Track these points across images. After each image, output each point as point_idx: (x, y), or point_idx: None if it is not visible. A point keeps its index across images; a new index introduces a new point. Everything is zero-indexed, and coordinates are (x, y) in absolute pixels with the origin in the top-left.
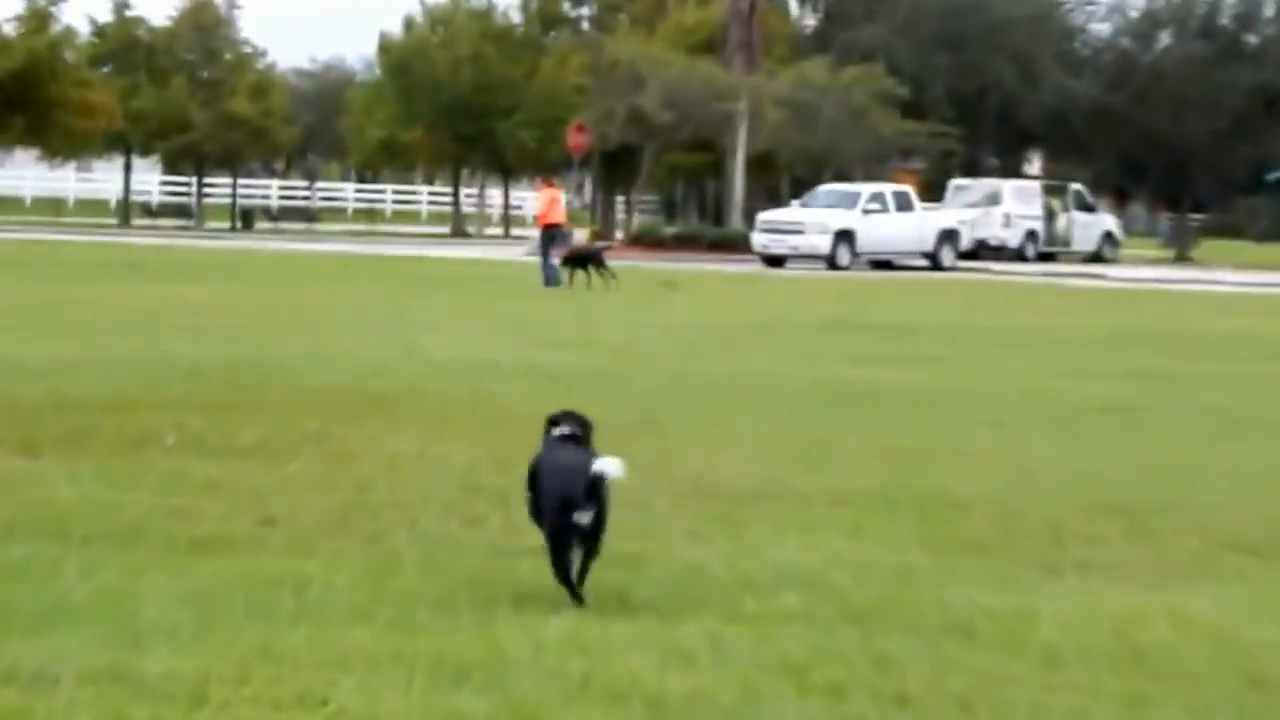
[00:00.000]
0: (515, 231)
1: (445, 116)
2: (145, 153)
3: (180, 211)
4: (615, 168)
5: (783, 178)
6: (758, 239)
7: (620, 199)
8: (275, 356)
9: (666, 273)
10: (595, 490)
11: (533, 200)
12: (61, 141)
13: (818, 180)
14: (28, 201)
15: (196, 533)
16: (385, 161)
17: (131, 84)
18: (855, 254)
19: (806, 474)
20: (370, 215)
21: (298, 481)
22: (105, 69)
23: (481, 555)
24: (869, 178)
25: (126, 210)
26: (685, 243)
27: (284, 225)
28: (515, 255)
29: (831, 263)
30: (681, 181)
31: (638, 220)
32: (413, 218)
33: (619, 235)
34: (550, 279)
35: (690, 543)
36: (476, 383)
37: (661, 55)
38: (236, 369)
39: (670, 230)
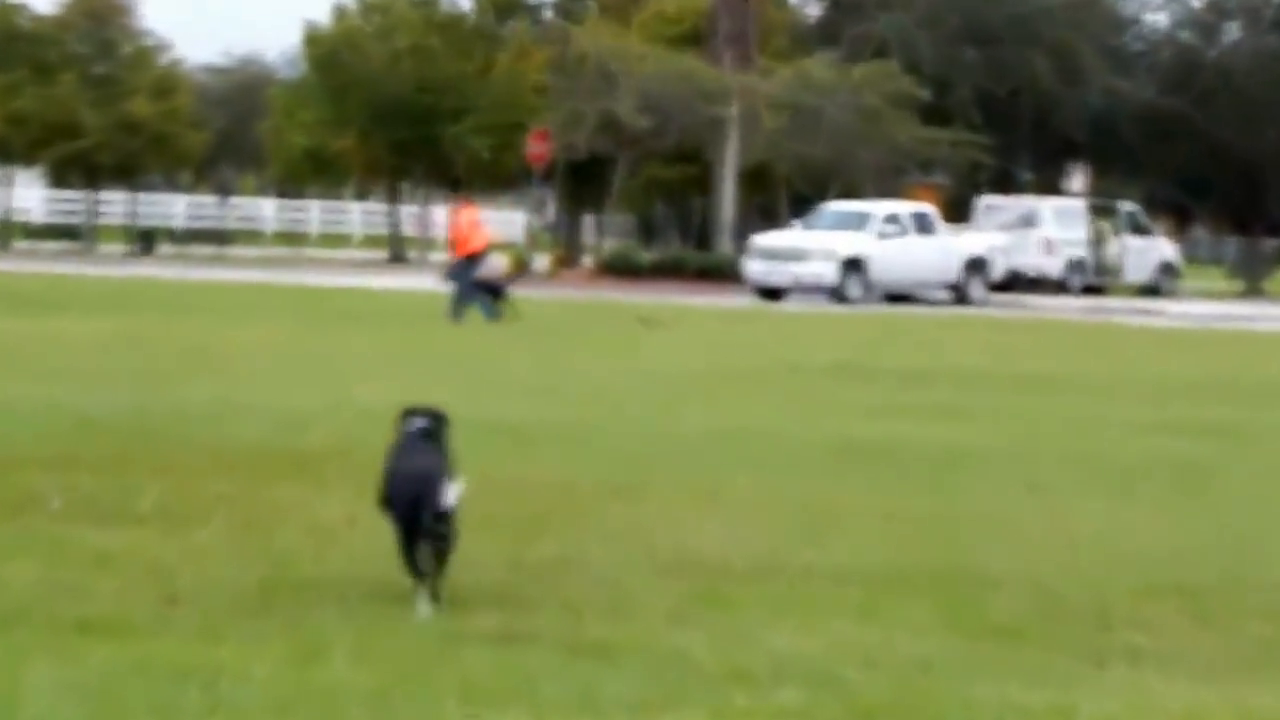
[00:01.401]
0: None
1: (382, 120)
2: (26, 163)
3: (68, 233)
4: (583, 182)
5: (780, 195)
6: (752, 267)
7: (589, 219)
8: (179, 406)
9: (643, 307)
10: (442, 518)
11: (455, 221)
12: None
13: (822, 197)
14: None
15: (87, 612)
16: (311, 174)
17: (10, 82)
18: (867, 285)
19: (808, 546)
20: (293, 238)
21: (206, 553)
22: None
23: (423, 640)
24: (883, 195)
25: (4, 231)
26: (665, 271)
27: (190, 249)
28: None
29: (839, 295)
30: (661, 199)
31: (609, 244)
32: (343, 241)
33: (586, 261)
34: (488, 313)
35: (671, 626)
36: None
37: (638, 49)
38: (134, 420)
39: (647, 256)
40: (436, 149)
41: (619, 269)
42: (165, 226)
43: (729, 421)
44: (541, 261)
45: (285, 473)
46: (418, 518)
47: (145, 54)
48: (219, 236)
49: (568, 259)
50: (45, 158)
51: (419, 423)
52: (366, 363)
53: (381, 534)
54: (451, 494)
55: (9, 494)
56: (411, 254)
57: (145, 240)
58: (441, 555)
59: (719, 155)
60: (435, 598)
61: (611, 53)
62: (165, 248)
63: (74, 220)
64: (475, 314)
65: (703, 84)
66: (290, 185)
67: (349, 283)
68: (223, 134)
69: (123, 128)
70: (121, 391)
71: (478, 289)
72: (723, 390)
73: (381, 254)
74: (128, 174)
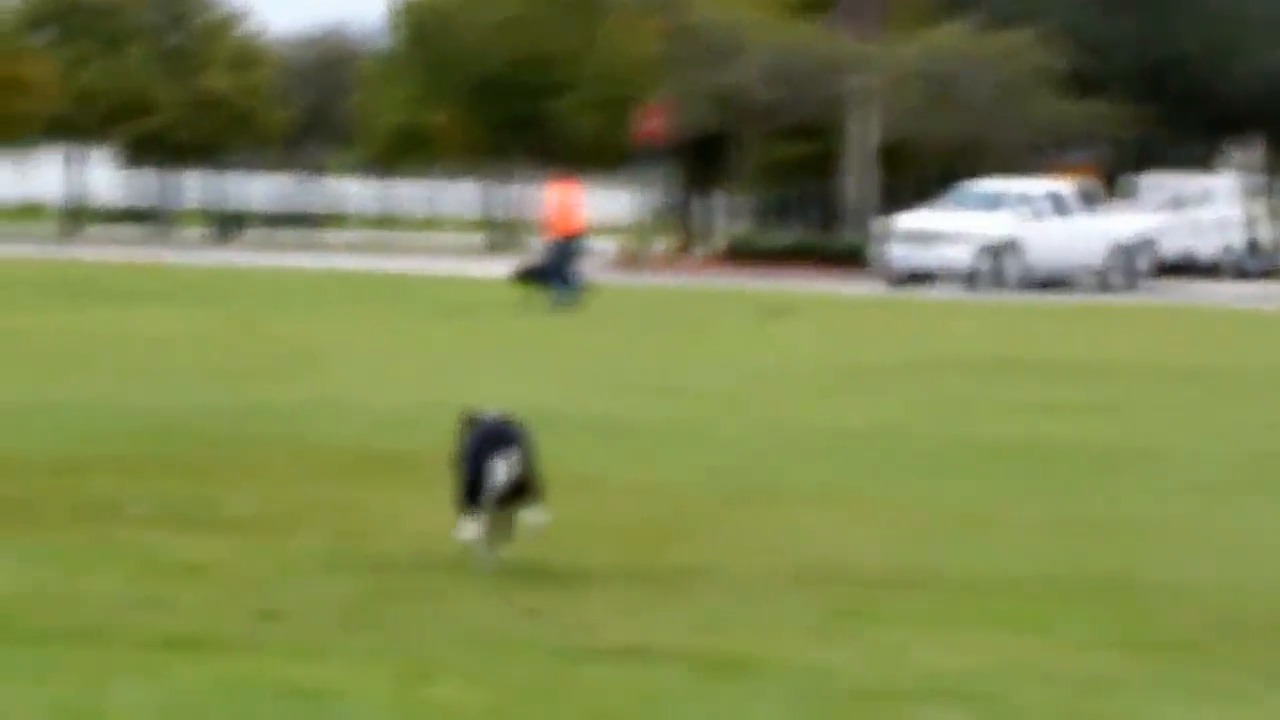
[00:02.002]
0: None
1: (480, 96)
2: (97, 142)
3: (142, 217)
4: (700, 162)
5: (916, 174)
6: (887, 252)
7: (707, 201)
8: (267, 404)
9: (767, 296)
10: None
11: (566, 202)
12: None
13: (960, 176)
14: None
15: (175, 627)
16: (404, 153)
17: (76, 55)
18: (1015, 271)
19: (958, 554)
20: (385, 221)
21: (302, 563)
22: (43, 36)
23: (541, 657)
24: (1030, 173)
25: (73, 215)
26: (792, 257)
27: (275, 234)
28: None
29: (980, 282)
30: (785, 179)
31: (729, 228)
32: (439, 224)
33: (705, 246)
34: (564, 298)
35: (813, 641)
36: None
37: (760, 17)
38: (218, 420)
39: (773, 241)
40: (538, 126)
41: (740, 254)
42: (248, 210)
43: (865, 419)
44: (656, 247)
45: (385, 476)
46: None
47: (221, 24)
48: (306, 220)
49: (684, 244)
50: (117, 136)
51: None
52: (467, 357)
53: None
54: (501, 472)
55: (88, 500)
56: (513, 238)
57: (226, 224)
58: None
59: (847, 132)
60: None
61: (730, 21)
62: (248, 232)
63: (149, 203)
64: (582, 302)
65: (830, 55)
66: (381, 165)
67: (446, 269)
68: (308, 110)
69: (198, 104)
70: (204, 389)
71: (559, 273)
72: (857, 385)
73: (480, 238)
74: (206, 153)
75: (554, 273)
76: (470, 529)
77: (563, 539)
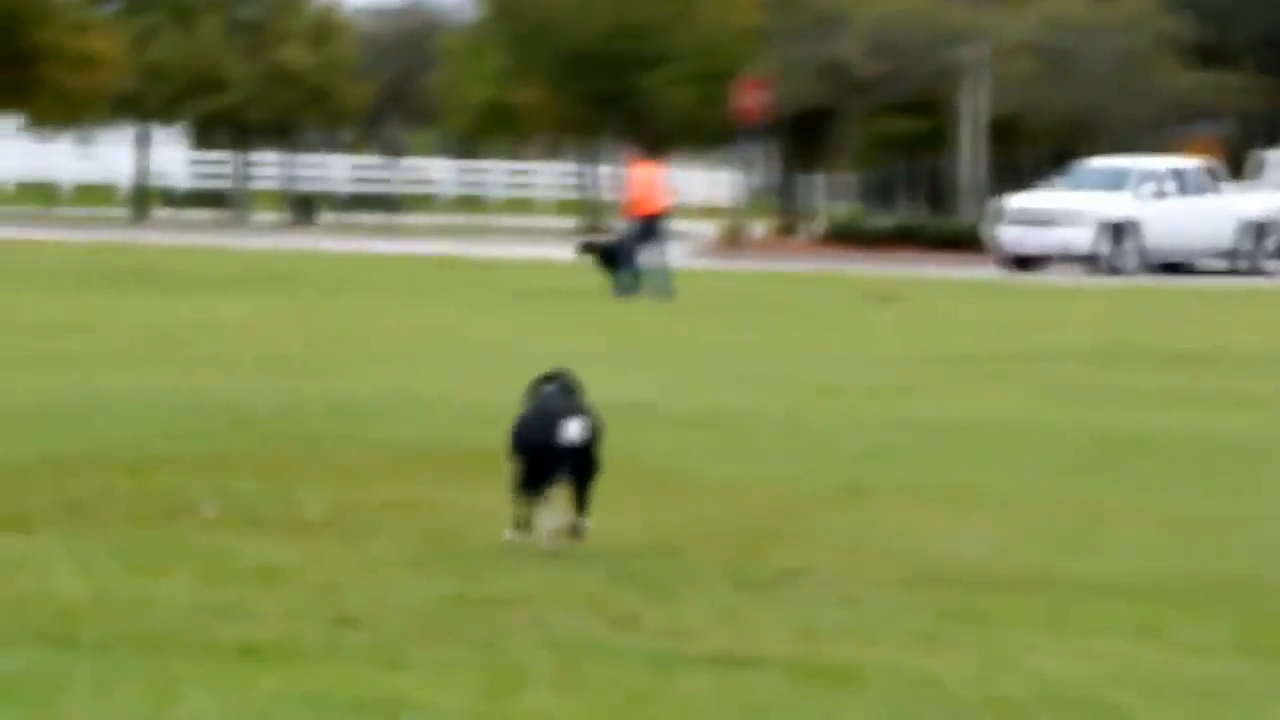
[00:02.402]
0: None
1: (571, 70)
2: (166, 120)
3: (214, 199)
4: (803, 138)
5: (1029, 151)
6: (1001, 234)
7: (811, 180)
8: (347, 398)
9: (874, 280)
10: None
11: (649, 181)
12: (52, 105)
13: (1077, 153)
14: (9, 186)
15: (249, 635)
16: (491, 131)
17: (145, 27)
18: (1132, 253)
19: (1074, 554)
20: (471, 203)
21: (383, 567)
22: (111, 7)
23: (636, 666)
24: (1151, 149)
25: (141, 198)
26: (900, 239)
27: (355, 217)
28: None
29: (1100, 265)
30: (893, 156)
31: (834, 208)
32: (529, 206)
33: (808, 228)
34: (625, 286)
35: (921, 649)
36: (622, 433)
37: None
38: (295, 415)
39: (879, 222)
40: (633, 102)
41: (845, 236)
42: (325, 192)
43: (976, 412)
44: (757, 229)
45: (471, 475)
46: (544, 457)
47: None
48: (387, 203)
49: (787, 226)
50: (187, 114)
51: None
52: (556, 347)
53: (586, 540)
54: (574, 429)
55: (157, 499)
56: (608, 220)
57: (303, 207)
58: (584, 490)
59: (960, 106)
60: (575, 532)
61: None
62: (326, 216)
63: (221, 185)
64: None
65: (941, 25)
66: (467, 144)
67: (536, 254)
68: (389, 86)
69: (274, 79)
70: (280, 381)
71: (590, 251)
72: (968, 375)
73: (573, 221)
74: (281, 132)
75: (628, 256)
76: (513, 534)
77: (656, 540)
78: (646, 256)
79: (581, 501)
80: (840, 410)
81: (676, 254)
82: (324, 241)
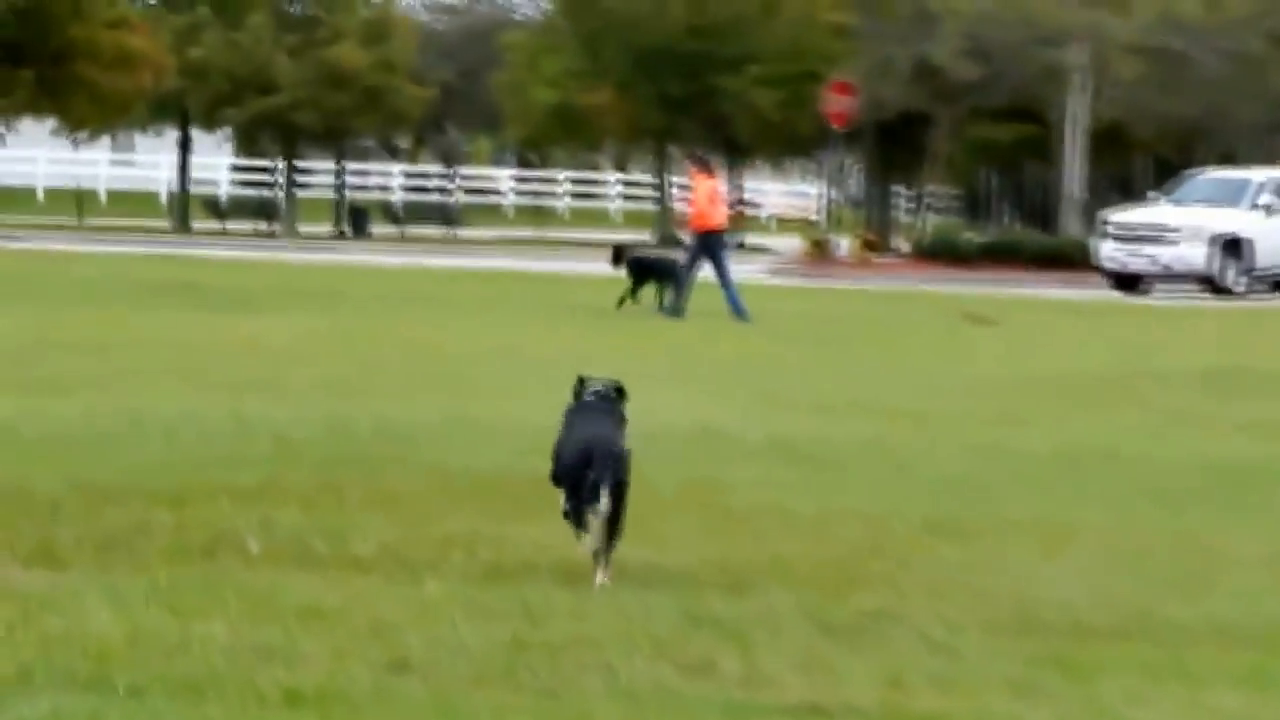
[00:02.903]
0: (749, 239)
1: (646, 71)
2: (209, 125)
3: (261, 210)
4: (894, 147)
5: (1139, 161)
6: (1104, 250)
7: (902, 192)
8: (401, 423)
9: (970, 300)
10: (617, 467)
11: (708, 193)
12: (88, 108)
13: (1191, 163)
14: (39, 194)
15: (296, 680)
16: (559, 137)
17: (189, 24)
18: (1248, 271)
19: (1183, 597)
20: (537, 215)
21: (440, 607)
22: (150, 2)
23: (709, 716)
24: (1270, 159)
25: (183, 207)
26: (997, 255)
27: (411, 230)
28: (749, 272)
29: (1213, 284)
30: (991, 167)
31: (928, 223)
32: (600, 218)
33: (899, 243)
34: (677, 311)
35: (1014, 698)
36: (696, 462)
37: None
38: (346, 441)
39: (975, 238)
40: (713, 106)
41: (938, 252)
42: (379, 202)
43: (1078, 441)
44: (844, 244)
45: (534, 507)
46: (583, 482)
47: None
48: (446, 214)
49: (876, 241)
50: (231, 118)
51: (596, 389)
52: (626, 368)
53: (656, 580)
54: (605, 504)
55: (198, 532)
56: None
57: (356, 219)
58: (613, 529)
59: (1063, 113)
60: (610, 543)
61: None
62: (380, 228)
63: (268, 194)
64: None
65: (1043, 25)
66: (533, 151)
67: (604, 270)
68: (450, 89)
69: (325, 80)
70: (329, 405)
71: (624, 264)
72: (1070, 402)
73: (646, 235)
74: (334, 138)
75: (682, 273)
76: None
77: (731, 578)
78: (696, 274)
79: (607, 552)
80: (930, 438)
81: (750, 270)
82: (377, 255)
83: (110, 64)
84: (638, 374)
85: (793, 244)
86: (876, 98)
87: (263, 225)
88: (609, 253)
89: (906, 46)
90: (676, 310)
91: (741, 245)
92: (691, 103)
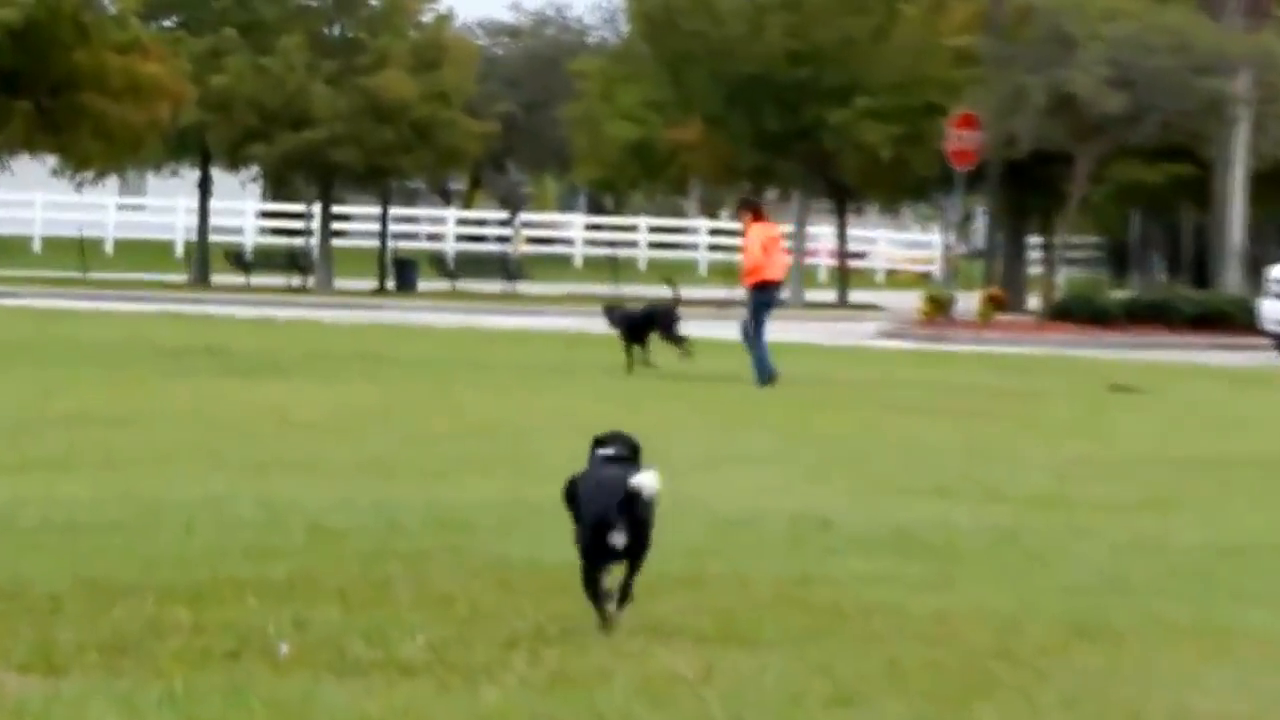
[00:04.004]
0: (857, 294)
1: (739, 104)
2: (234, 164)
3: (292, 262)
4: (1026, 189)
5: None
6: (1270, 310)
7: (1035, 243)
8: (455, 509)
9: (1114, 367)
10: (632, 508)
11: (762, 241)
12: (93, 144)
13: None
14: (36, 244)
15: None
16: (638, 178)
17: (212, 48)
18: None
19: None
20: (611, 268)
21: (500, 719)
22: (167, 23)
23: None
24: None
25: (202, 259)
26: (1145, 315)
27: (466, 285)
28: (858, 335)
29: None
30: (1139, 213)
31: (1065, 277)
32: (685, 272)
33: (1032, 301)
34: (766, 374)
35: None
36: (797, 554)
37: (1104, 1)
38: (390, 530)
39: (1121, 296)
40: (815, 142)
41: (1078, 312)
42: (430, 252)
43: (1239, 531)
44: (968, 302)
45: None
46: (603, 542)
47: (400, 9)
48: (506, 267)
49: (1004, 298)
50: (259, 157)
51: (610, 450)
52: (711, 446)
53: (747, 693)
54: (643, 479)
55: (220, 633)
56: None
57: (401, 272)
58: (633, 572)
59: (1223, 151)
60: (624, 598)
61: (1068, 6)
62: (429, 282)
63: (299, 244)
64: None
65: (1199, 49)
66: (607, 194)
67: (688, 332)
68: (511, 122)
69: (369, 113)
70: (372, 488)
71: (616, 324)
72: (1229, 487)
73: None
74: (377, 179)
75: (751, 332)
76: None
77: (837, 689)
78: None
79: (628, 585)
80: (1068, 528)
81: (857, 331)
82: (426, 313)
83: (120, 94)
84: (729, 453)
85: (907, 301)
86: (1006, 133)
87: (294, 280)
88: (605, 310)
89: (1041, 75)
90: (766, 377)
91: (781, 302)
92: (791, 139)
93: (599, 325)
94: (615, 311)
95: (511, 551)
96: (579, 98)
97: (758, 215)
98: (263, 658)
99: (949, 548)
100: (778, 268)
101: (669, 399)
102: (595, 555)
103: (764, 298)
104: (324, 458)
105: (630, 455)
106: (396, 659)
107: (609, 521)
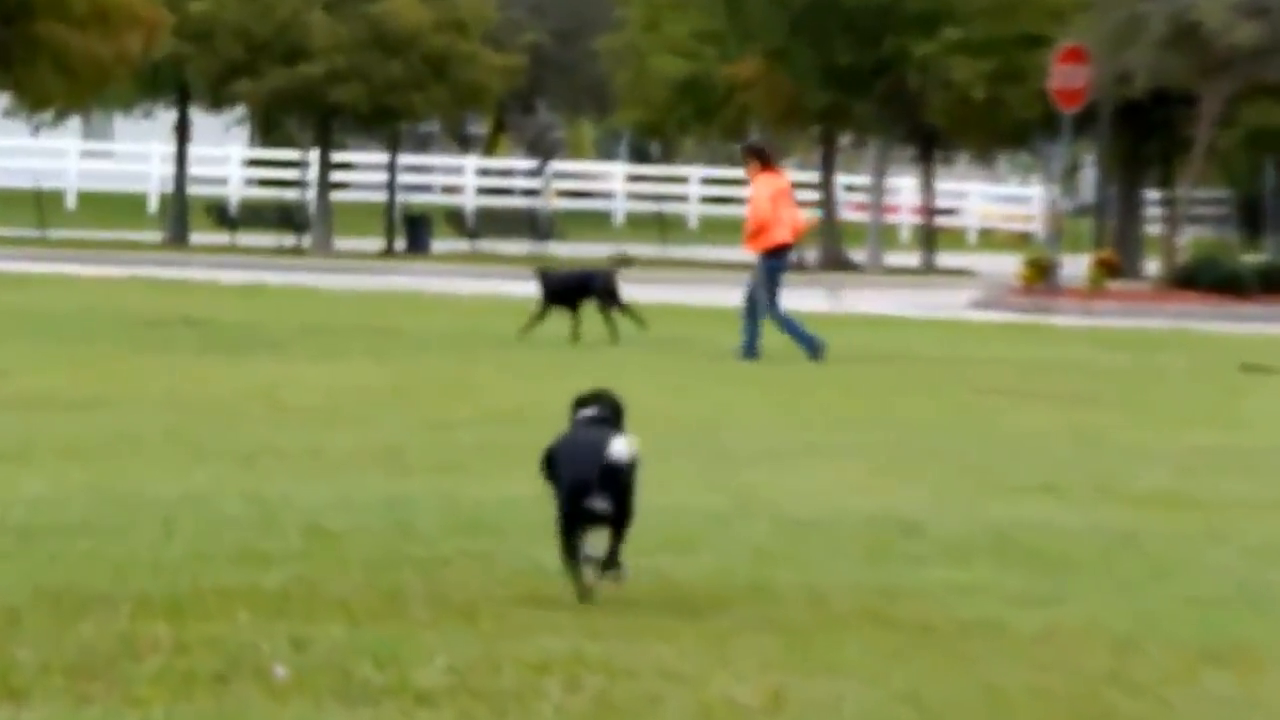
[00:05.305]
0: (946, 258)
1: (806, 34)
2: (216, 104)
3: (284, 218)
4: (1143, 135)
5: None
6: None
7: (1153, 198)
8: (477, 508)
9: (1248, 342)
10: (613, 478)
11: (773, 199)
12: (52, 80)
13: None
14: None
15: None
16: (688, 122)
17: None
18: None
19: None
20: (659, 226)
21: None
22: None
23: None
24: None
25: (180, 215)
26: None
27: (488, 245)
28: (947, 305)
29: None
30: (1276, 163)
31: (1189, 238)
32: (737, 230)
33: (1149, 266)
34: (813, 345)
35: None
36: (879, 563)
37: None
38: (403, 533)
39: (1254, 259)
40: (895, 79)
41: (1204, 279)
42: (446, 208)
43: None
44: (1075, 266)
45: (656, 622)
46: (581, 507)
47: None
48: (536, 224)
49: (1117, 263)
50: (246, 95)
51: (592, 411)
52: (777, 435)
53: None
54: (620, 447)
55: (206, 652)
56: (856, 253)
57: (413, 231)
58: (618, 540)
59: None
60: (610, 564)
61: None
62: (445, 242)
63: (293, 198)
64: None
65: None
66: (653, 141)
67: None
68: (540, 55)
69: (375, 44)
70: (381, 484)
71: (547, 293)
72: None
73: (810, 253)
74: (384, 122)
75: (761, 303)
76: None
77: (931, 718)
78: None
79: (614, 553)
80: (1197, 531)
81: (947, 301)
82: (441, 279)
83: (83, 21)
84: (797, 444)
85: (1003, 266)
86: (1119, 68)
87: (287, 239)
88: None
89: (1161, 1)
90: (815, 349)
91: (802, 266)
92: (866, 76)
93: (643, 292)
94: (550, 275)
95: (543, 558)
96: (619, 27)
97: (765, 164)
98: (255, 681)
99: (1055, 554)
100: (788, 228)
101: (725, 381)
102: (571, 520)
103: (777, 263)
104: (323, 447)
105: (613, 417)
106: (411, 684)
107: (586, 485)
